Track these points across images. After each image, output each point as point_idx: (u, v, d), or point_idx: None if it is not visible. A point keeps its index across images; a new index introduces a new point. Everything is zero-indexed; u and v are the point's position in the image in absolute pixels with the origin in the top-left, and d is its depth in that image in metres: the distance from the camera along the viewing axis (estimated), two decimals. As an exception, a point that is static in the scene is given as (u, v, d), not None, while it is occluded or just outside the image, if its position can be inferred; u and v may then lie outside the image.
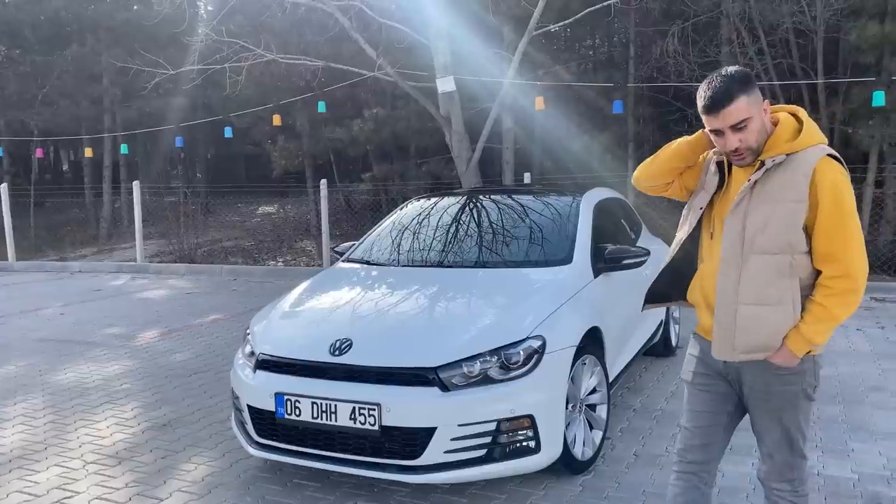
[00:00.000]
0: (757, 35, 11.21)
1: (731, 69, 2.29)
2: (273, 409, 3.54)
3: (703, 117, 2.29)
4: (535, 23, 9.73)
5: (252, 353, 3.85)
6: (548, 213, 4.91)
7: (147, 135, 19.20)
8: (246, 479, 3.89)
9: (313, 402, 3.42)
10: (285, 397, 3.50)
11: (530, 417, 3.38)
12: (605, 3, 10.10)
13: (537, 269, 4.32)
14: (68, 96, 19.06)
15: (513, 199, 5.32)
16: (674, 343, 6.07)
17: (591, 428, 3.96)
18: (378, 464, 3.39)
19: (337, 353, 3.53)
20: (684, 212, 2.58)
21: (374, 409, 3.30)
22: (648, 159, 2.63)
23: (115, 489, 3.79)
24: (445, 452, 3.31)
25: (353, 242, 5.36)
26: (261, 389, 3.64)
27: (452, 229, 5.06)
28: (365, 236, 5.36)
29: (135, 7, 20.37)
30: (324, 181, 11.65)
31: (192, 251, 13.40)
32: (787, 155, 2.27)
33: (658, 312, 5.60)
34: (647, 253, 4.47)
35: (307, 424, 3.46)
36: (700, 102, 2.29)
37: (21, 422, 4.88)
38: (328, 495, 3.65)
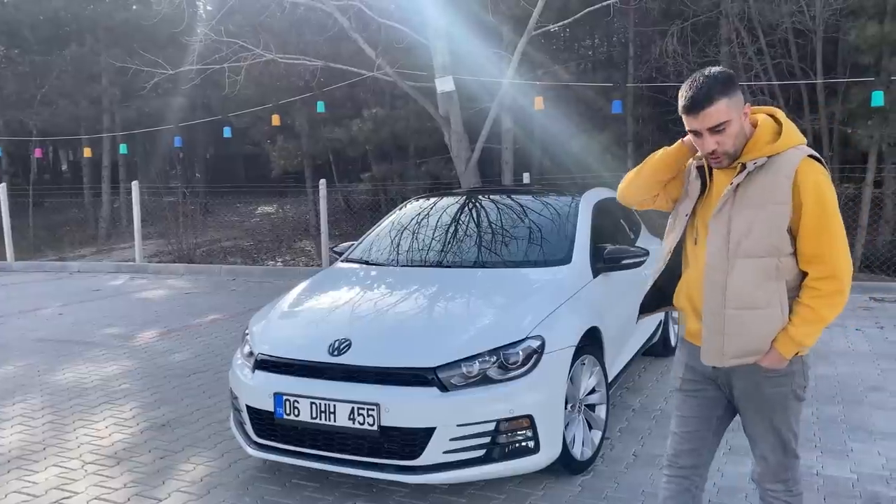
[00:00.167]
0: (756, 35, 11.21)
1: (714, 70, 2.28)
2: (272, 409, 3.54)
3: (683, 117, 2.28)
4: (534, 23, 9.73)
5: (251, 353, 3.85)
6: (547, 213, 4.90)
7: (146, 135, 19.19)
8: (245, 479, 3.89)
9: (312, 403, 3.42)
10: (284, 397, 3.49)
11: (529, 417, 3.37)
12: (605, 3, 10.10)
13: (536, 269, 4.32)
14: (67, 96, 19.04)
15: (512, 199, 5.32)
16: (673, 343, 6.07)
17: (591, 428, 3.95)
18: (377, 464, 3.39)
19: (336, 353, 3.52)
20: (670, 220, 2.56)
21: (373, 410, 3.30)
22: (631, 174, 2.59)
23: (114, 489, 3.79)
24: (444, 453, 3.31)
25: (352, 242, 5.36)
26: (259, 389, 3.63)
27: (451, 229, 5.06)
28: (364, 236, 5.35)
29: (134, 7, 20.37)
30: (323, 181, 11.64)
31: (191, 251, 13.39)
32: (768, 157, 2.26)
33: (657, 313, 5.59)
34: (647, 253, 4.47)
35: (306, 424, 3.45)
36: (680, 102, 2.28)
37: (20, 422, 4.87)
38: (327, 495, 3.65)
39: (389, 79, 10.93)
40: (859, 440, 4.18)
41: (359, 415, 3.33)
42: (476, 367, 3.37)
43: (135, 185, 12.88)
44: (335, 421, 3.37)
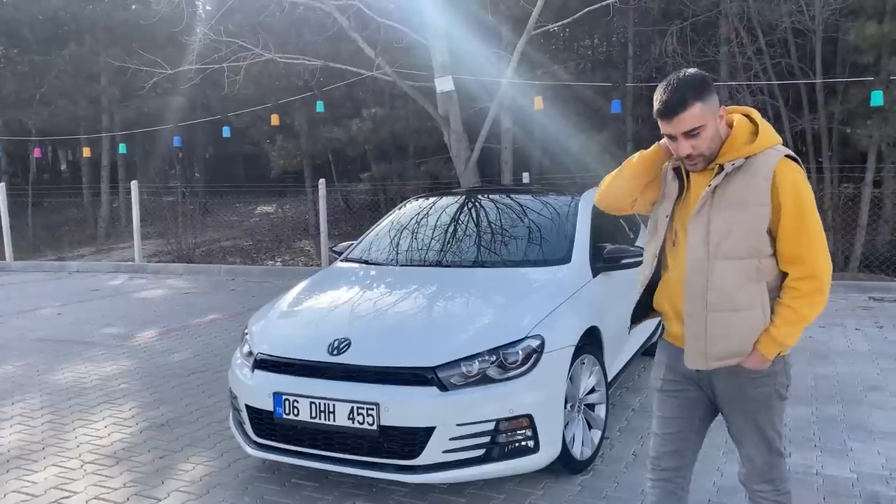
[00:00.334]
0: (756, 35, 11.21)
1: (690, 73, 2.26)
2: (271, 408, 3.54)
3: (658, 121, 2.27)
4: (533, 22, 9.73)
5: (250, 353, 3.85)
6: (546, 212, 4.90)
7: (145, 134, 19.18)
8: (244, 478, 3.89)
9: (311, 402, 3.42)
10: (283, 397, 3.49)
11: (529, 417, 3.37)
12: (604, 3, 10.09)
13: (536, 269, 4.32)
14: (66, 96, 19.03)
15: (511, 199, 5.32)
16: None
17: (590, 427, 3.95)
18: (376, 463, 3.39)
19: (335, 352, 3.52)
20: (650, 225, 2.53)
21: (373, 409, 3.30)
22: (608, 180, 2.56)
23: (113, 489, 3.78)
24: (444, 452, 3.30)
25: (351, 242, 5.35)
26: (259, 389, 3.63)
27: (451, 229, 5.06)
28: (363, 236, 5.35)
29: (133, 7, 20.35)
30: (322, 181, 11.64)
31: (191, 251, 13.39)
32: (746, 158, 2.26)
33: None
34: (646, 252, 4.46)
35: (305, 424, 3.45)
36: (655, 106, 2.26)
37: (19, 422, 4.87)
38: (326, 495, 3.64)
39: (389, 78, 10.92)
40: (859, 440, 4.18)
41: (358, 414, 3.32)
42: (476, 366, 3.37)
43: (134, 184, 12.88)
44: (335, 420, 3.37)
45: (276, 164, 16.87)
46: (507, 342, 3.45)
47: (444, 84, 9.99)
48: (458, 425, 3.29)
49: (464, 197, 5.57)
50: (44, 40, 19.25)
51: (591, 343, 3.95)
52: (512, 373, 3.40)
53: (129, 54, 15.38)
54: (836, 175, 11.18)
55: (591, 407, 3.99)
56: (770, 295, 2.28)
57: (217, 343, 6.93)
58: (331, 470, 3.56)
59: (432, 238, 4.97)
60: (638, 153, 2.49)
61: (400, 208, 5.59)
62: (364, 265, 4.88)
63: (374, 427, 3.30)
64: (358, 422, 3.32)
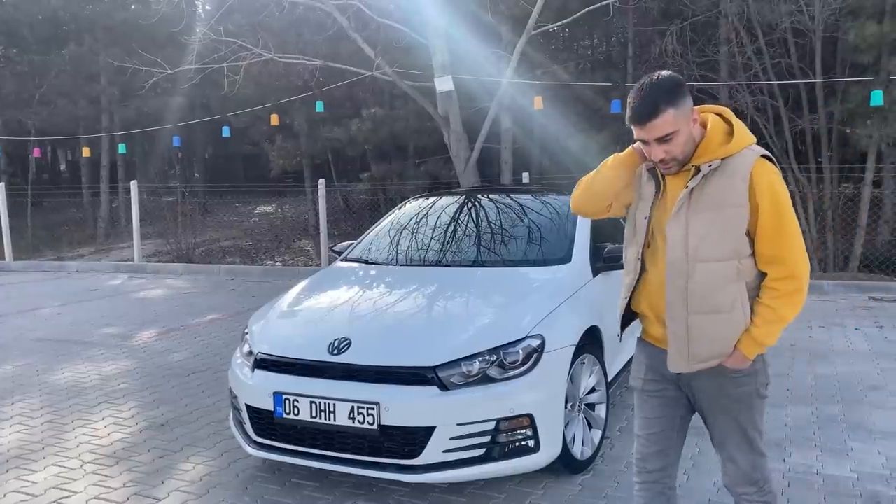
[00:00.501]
0: (755, 35, 11.21)
1: (662, 76, 2.23)
2: (271, 408, 3.53)
3: (631, 126, 2.26)
4: (533, 22, 9.73)
5: (250, 353, 3.84)
6: (546, 212, 4.90)
7: (145, 134, 19.18)
8: (244, 478, 3.88)
9: (312, 402, 3.41)
10: (284, 397, 3.49)
11: (529, 417, 3.37)
12: (604, 3, 10.10)
13: (536, 269, 4.31)
14: (66, 96, 19.03)
15: (511, 199, 5.32)
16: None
17: (590, 427, 3.95)
18: (377, 463, 3.38)
19: (336, 352, 3.52)
20: (627, 228, 2.51)
21: (373, 409, 3.29)
22: (583, 185, 2.53)
23: (113, 489, 3.78)
24: (444, 452, 3.30)
25: (351, 242, 5.35)
26: (259, 389, 3.62)
27: (451, 229, 5.05)
28: (363, 235, 5.35)
29: (133, 6, 20.35)
30: (322, 181, 11.64)
31: (190, 251, 13.39)
32: (722, 159, 2.25)
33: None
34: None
35: (306, 424, 3.45)
36: (627, 112, 2.24)
37: (18, 422, 4.86)
38: (327, 495, 3.64)
39: (388, 78, 10.93)
40: (859, 439, 4.18)
41: (359, 414, 3.32)
42: (476, 366, 3.36)
43: (133, 184, 12.87)
44: (335, 420, 3.37)
45: (276, 164, 16.88)
46: (508, 342, 3.45)
47: (443, 84, 9.99)
48: (458, 425, 3.29)
49: (464, 197, 5.57)
50: (43, 40, 19.25)
51: (591, 343, 3.95)
52: (512, 372, 3.40)
53: (128, 54, 15.39)
54: (835, 175, 11.18)
55: (591, 406, 3.99)
56: (749, 295, 2.28)
57: (217, 343, 6.92)
58: (331, 469, 3.56)
59: (432, 238, 4.97)
60: (612, 156, 2.47)
61: (400, 208, 5.59)
62: (364, 265, 4.87)
63: (375, 427, 3.30)
64: (358, 421, 3.32)
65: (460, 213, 5.25)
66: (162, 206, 15.12)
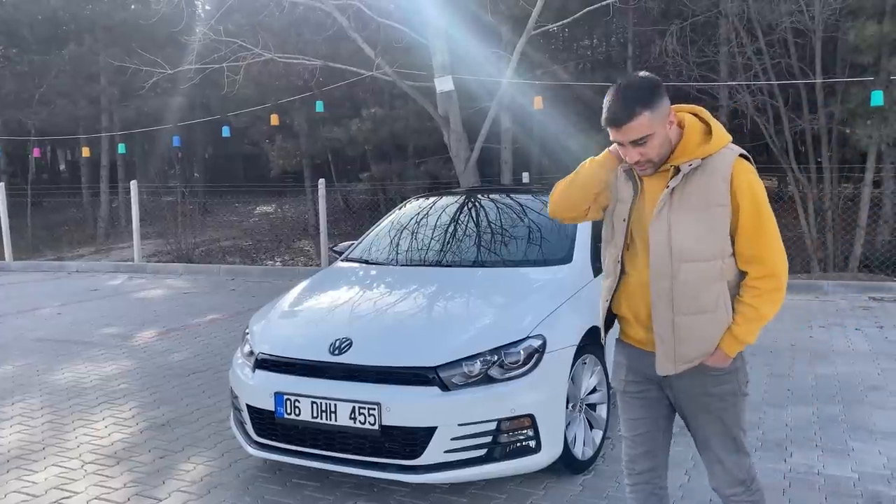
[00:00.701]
0: (755, 35, 11.21)
1: (638, 79, 2.22)
2: (272, 408, 3.53)
3: (606, 129, 2.25)
4: (533, 22, 9.73)
5: (251, 353, 3.84)
6: (547, 212, 4.89)
7: (145, 134, 19.18)
8: (245, 478, 3.88)
9: (313, 402, 3.41)
10: (285, 397, 3.49)
11: (530, 417, 3.37)
12: (604, 3, 10.10)
13: (537, 269, 4.31)
14: (66, 96, 19.02)
15: (511, 199, 5.32)
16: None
17: (592, 427, 3.95)
18: (378, 463, 3.38)
19: (336, 352, 3.51)
20: (605, 230, 2.49)
21: (374, 409, 3.29)
22: (561, 189, 2.50)
23: (114, 489, 3.78)
24: (445, 452, 3.30)
25: (351, 242, 5.35)
26: (260, 389, 3.62)
27: (451, 229, 5.05)
28: (364, 236, 5.35)
29: (132, 6, 20.35)
30: (322, 181, 11.64)
31: (190, 251, 13.39)
32: (702, 159, 2.25)
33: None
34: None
35: (307, 424, 3.45)
36: (603, 114, 2.23)
37: (19, 422, 4.86)
38: (328, 495, 3.64)
39: (388, 78, 10.92)
40: (860, 439, 4.18)
41: (360, 414, 3.32)
42: (477, 366, 3.36)
43: (133, 184, 12.87)
44: (336, 420, 3.37)
45: (276, 164, 16.88)
46: (509, 342, 3.45)
47: (443, 84, 9.99)
48: (459, 425, 3.29)
49: (464, 197, 5.57)
50: (43, 40, 19.24)
51: (592, 343, 3.94)
52: (513, 373, 3.39)
53: (128, 54, 15.38)
54: (835, 175, 11.18)
55: (592, 407, 3.99)
56: (730, 294, 2.28)
57: (217, 343, 6.92)
58: (332, 470, 3.56)
59: (433, 238, 4.97)
60: (589, 160, 2.45)
61: (400, 208, 5.59)
62: (365, 265, 4.87)
63: (376, 427, 3.29)
64: (359, 422, 3.32)
65: (461, 213, 5.25)
66: (162, 206, 15.12)
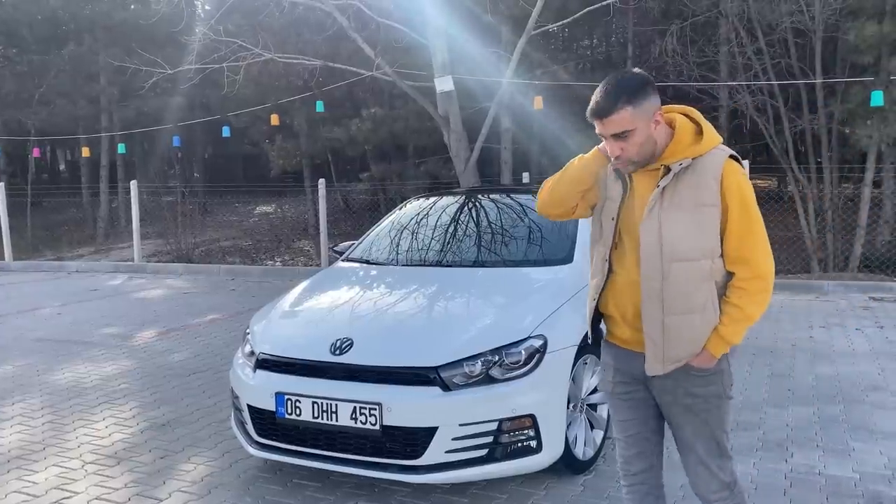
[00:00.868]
0: (755, 35, 11.22)
1: (629, 75, 2.24)
2: (273, 408, 3.53)
3: (591, 121, 2.26)
4: (533, 22, 9.73)
5: (252, 353, 3.84)
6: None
7: (144, 134, 19.18)
8: (246, 479, 3.88)
9: (314, 402, 3.41)
10: (285, 397, 3.48)
11: (532, 417, 3.37)
12: (604, 3, 10.10)
13: (537, 269, 4.31)
14: (65, 96, 19.02)
15: (512, 199, 5.32)
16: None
17: (593, 427, 3.95)
18: (379, 464, 3.38)
19: (337, 352, 3.51)
20: (593, 229, 2.49)
21: (375, 409, 3.29)
22: (549, 187, 2.51)
23: (114, 489, 3.77)
24: (447, 452, 3.30)
25: (352, 242, 5.35)
26: (261, 389, 3.62)
27: (452, 229, 5.05)
28: (364, 236, 5.35)
29: (132, 6, 20.35)
30: (322, 181, 11.64)
31: (190, 251, 13.39)
32: (693, 159, 2.25)
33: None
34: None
35: (307, 424, 3.44)
36: (589, 105, 2.25)
37: (19, 422, 4.86)
38: (328, 495, 3.64)
39: (388, 78, 10.92)
40: (861, 440, 4.18)
41: (361, 414, 3.31)
42: (478, 366, 3.36)
43: (133, 184, 12.86)
44: (337, 420, 3.36)
45: (276, 164, 16.87)
46: (510, 342, 3.45)
47: (443, 84, 9.99)
48: (460, 425, 3.28)
49: (464, 197, 5.57)
50: (43, 40, 19.24)
51: (593, 343, 3.93)
52: (514, 373, 3.39)
53: (128, 54, 15.38)
54: (835, 175, 11.18)
55: (593, 407, 3.99)
56: (718, 294, 2.28)
57: (217, 343, 6.92)
58: (333, 470, 3.56)
59: (433, 238, 4.97)
60: (577, 158, 2.46)
61: (401, 208, 5.59)
62: (365, 265, 4.87)
63: (377, 427, 3.29)
64: (360, 422, 3.32)
65: (461, 213, 5.25)
66: (162, 206, 15.12)
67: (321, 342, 3.60)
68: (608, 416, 4.11)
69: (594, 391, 3.98)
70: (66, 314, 8.54)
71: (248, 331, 4.09)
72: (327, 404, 3.38)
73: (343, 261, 5.06)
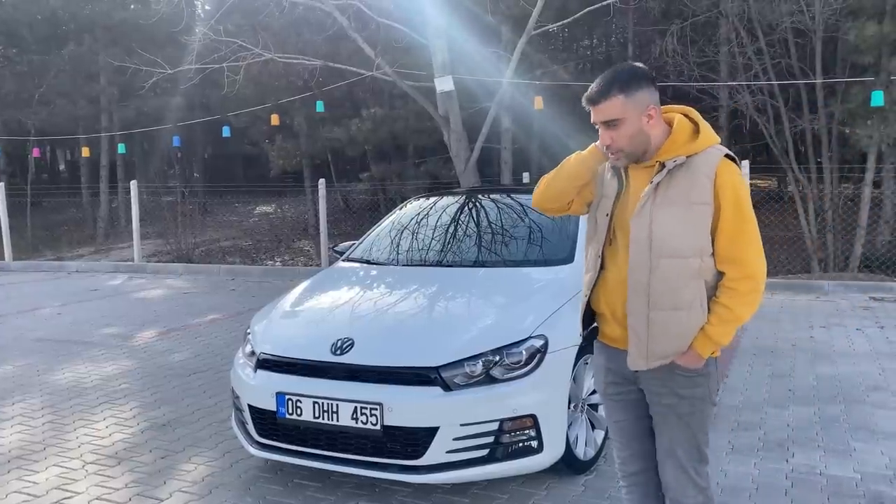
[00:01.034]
0: (756, 35, 11.22)
1: (627, 65, 2.29)
2: (274, 408, 3.52)
3: (586, 108, 2.30)
4: (533, 23, 9.73)
5: (253, 353, 3.83)
6: (548, 212, 4.89)
7: (144, 134, 19.17)
8: (246, 479, 3.88)
9: (315, 402, 3.41)
10: (286, 397, 3.48)
11: (532, 417, 3.36)
12: (604, 3, 10.09)
13: (538, 269, 4.31)
14: (65, 96, 19.02)
15: (512, 199, 5.31)
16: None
17: (593, 427, 3.94)
18: (380, 464, 3.37)
19: (338, 352, 3.51)
20: (588, 225, 2.50)
21: (376, 409, 3.29)
22: (545, 181, 2.55)
23: (115, 489, 3.77)
24: (447, 452, 3.29)
25: (352, 242, 5.35)
26: (262, 389, 3.62)
27: (452, 229, 5.05)
28: (365, 236, 5.35)
29: (132, 6, 20.36)
30: (322, 181, 11.64)
31: (190, 251, 13.39)
32: (688, 157, 2.26)
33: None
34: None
35: (308, 424, 3.44)
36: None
37: (20, 422, 4.85)
38: (329, 495, 3.63)
39: (389, 78, 10.92)
40: (862, 440, 4.17)
41: (362, 414, 3.31)
42: (479, 366, 3.36)
43: (133, 184, 12.86)
44: (338, 420, 3.36)
45: (276, 164, 16.88)
46: (511, 342, 3.44)
47: (444, 84, 9.99)
48: (461, 425, 3.28)
49: (465, 197, 5.57)
50: (43, 40, 19.24)
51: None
52: (515, 373, 3.39)
53: (128, 54, 15.38)
54: (835, 175, 11.19)
55: (594, 407, 3.98)
56: (707, 294, 2.27)
57: (218, 343, 6.91)
58: (334, 470, 3.56)
59: (434, 238, 4.97)
60: (575, 154, 2.48)
61: (401, 208, 5.58)
62: (366, 265, 4.87)
63: (378, 427, 3.29)
64: (361, 422, 3.31)
65: (461, 213, 5.25)
66: (162, 205, 15.12)
67: (322, 342, 3.60)
68: (609, 416, 4.11)
69: (595, 391, 3.98)
70: (66, 314, 8.54)
71: (248, 331, 4.09)
72: (328, 404, 3.38)
73: (343, 261, 5.06)
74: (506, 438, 3.34)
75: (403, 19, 10.52)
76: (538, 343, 3.48)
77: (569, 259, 4.33)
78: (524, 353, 3.43)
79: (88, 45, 19.07)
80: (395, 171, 16.22)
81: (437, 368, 3.34)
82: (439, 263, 4.65)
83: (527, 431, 3.37)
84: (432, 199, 5.58)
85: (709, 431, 2.41)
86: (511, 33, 12.14)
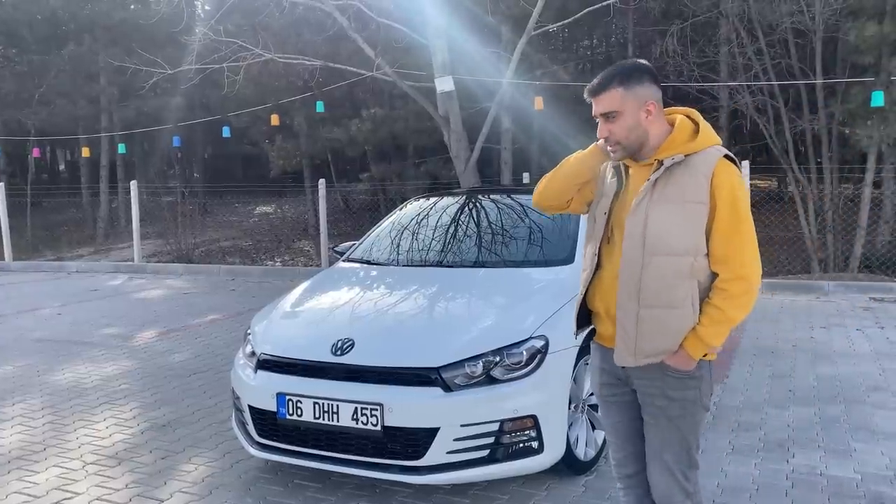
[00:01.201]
0: (756, 35, 11.22)
1: (629, 60, 2.34)
2: (274, 409, 3.52)
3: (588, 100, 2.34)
4: (533, 23, 9.73)
5: (253, 353, 3.83)
6: (548, 212, 4.89)
7: (144, 134, 19.17)
8: (247, 479, 3.88)
9: (315, 403, 3.41)
10: (287, 397, 3.48)
11: (533, 418, 3.36)
12: (604, 3, 10.09)
13: (538, 269, 4.31)
14: (65, 96, 19.02)
15: (512, 199, 5.31)
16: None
17: (594, 428, 3.94)
18: (380, 464, 3.37)
19: (339, 352, 3.51)
20: (587, 224, 2.51)
21: (377, 410, 3.29)
22: (546, 180, 2.57)
23: (115, 490, 3.77)
24: (448, 453, 3.29)
25: (353, 242, 5.35)
26: (262, 389, 3.62)
27: (452, 229, 5.05)
28: (365, 236, 5.34)
29: (132, 6, 20.36)
30: (322, 181, 11.64)
31: (190, 251, 13.38)
32: (686, 155, 2.26)
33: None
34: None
35: (309, 425, 3.44)
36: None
37: (20, 422, 4.85)
38: (330, 496, 3.63)
39: (389, 78, 10.92)
40: (862, 440, 4.17)
41: (362, 415, 3.31)
42: (479, 367, 3.36)
43: (133, 184, 12.86)
44: (338, 421, 3.36)
45: (276, 165, 16.87)
46: (511, 343, 3.44)
47: (444, 84, 9.99)
48: (462, 426, 3.28)
49: (465, 197, 5.57)
50: (43, 40, 19.23)
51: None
52: (516, 373, 3.39)
53: (128, 54, 15.37)
54: (835, 175, 11.19)
55: (594, 407, 3.98)
56: (700, 295, 2.27)
57: (218, 343, 6.91)
58: (334, 471, 3.56)
59: (434, 238, 4.97)
60: (575, 153, 2.49)
61: (401, 209, 5.58)
62: (366, 265, 4.87)
63: (378, 428, 3.29)
64: (361, 422, 3.31)
65: (462, 213, 5.25)
66: (162, 206, 15.13)
67: (322, 343, 3.60)
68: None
69: (595, 392, 3.98)
70: (66, 314, 8.54)
71: (248, 331, 4.09)
72: (328, 405, 3.38)
73: (344, 261, 5.06)
74: (506, 439, 3.34)
75: (403, 19, 10.52)
76: (539, 343, 3.47)
77: (569, 259, 4.33)
78: (525, 353, 3.43)
79: (88, 45, 19.06)
80: (395, 172, 16.22)
81: (437, 369, 3.34)
82: (440, 264, 4.65)
83: (527, 432, 3.37)
84: (432, 200, 5.57)
85: (700, 436, 2.39)
86: (511, 33, 12.14)
